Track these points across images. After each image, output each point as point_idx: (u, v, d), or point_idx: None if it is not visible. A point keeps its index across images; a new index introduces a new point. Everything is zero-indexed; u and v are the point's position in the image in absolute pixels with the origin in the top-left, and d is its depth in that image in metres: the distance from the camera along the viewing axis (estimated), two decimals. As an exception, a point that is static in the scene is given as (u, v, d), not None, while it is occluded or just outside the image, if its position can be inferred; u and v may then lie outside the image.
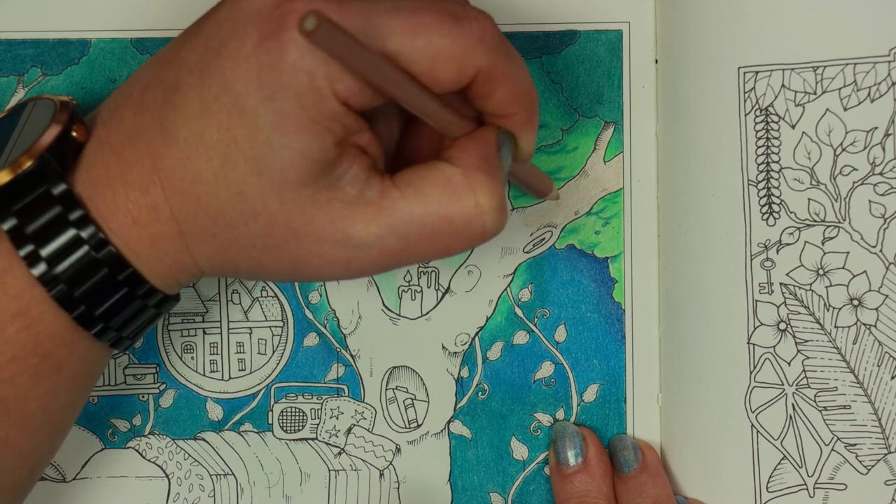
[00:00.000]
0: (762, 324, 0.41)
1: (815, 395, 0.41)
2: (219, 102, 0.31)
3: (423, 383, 0.44)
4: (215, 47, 0.31)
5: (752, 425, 0.41)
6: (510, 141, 0.35)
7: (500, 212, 0.33)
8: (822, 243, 0.41)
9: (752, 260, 0.41)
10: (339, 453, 0.44)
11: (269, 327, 0.44)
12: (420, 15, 0.31)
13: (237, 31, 0.31)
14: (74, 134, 0.33)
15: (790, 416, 0.41)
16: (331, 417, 0.44)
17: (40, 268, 0.32)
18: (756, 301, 0.41)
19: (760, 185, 0.41)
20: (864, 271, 0.40)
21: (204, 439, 0.44)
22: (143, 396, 0.44)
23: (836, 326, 0.41)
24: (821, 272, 0.41)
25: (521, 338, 0.44)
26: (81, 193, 0.33)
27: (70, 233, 0.32)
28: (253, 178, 0.31)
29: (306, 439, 0.44)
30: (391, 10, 0.31)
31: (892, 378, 0.40)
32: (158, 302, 0.35)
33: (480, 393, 0.44)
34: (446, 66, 0.31)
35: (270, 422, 0.44)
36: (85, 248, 0.32)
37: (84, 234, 0.32)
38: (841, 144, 0.40)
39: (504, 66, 0.33)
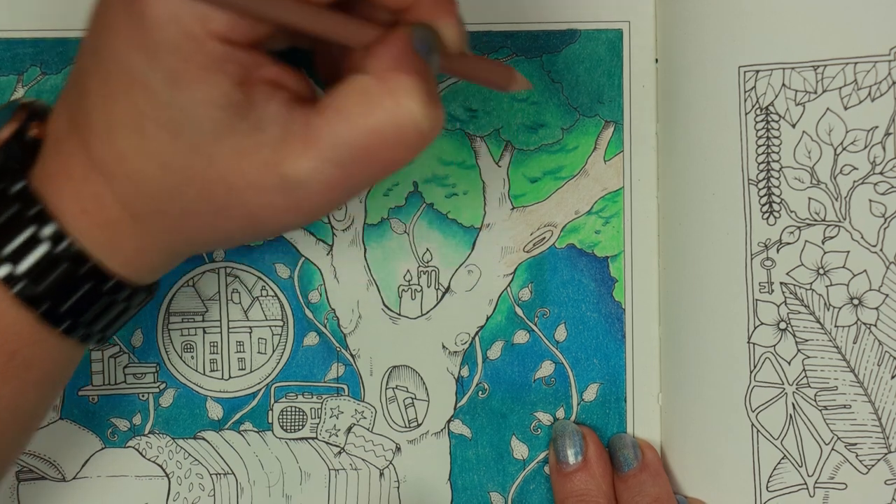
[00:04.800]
0: (762, 323, 0.41)
1: (815, 395, 0.41)
2: (114, 78, 0.31)
3: (423, 383, 0.44)
4: (101, 24, 0.31)
5: (753, 425, 0.41)
6: (431, 34, 0.32)
7: (430, 107, 0.31)
8: (823, 242, 0.41)
9: (752, 259, 0.41)
10: (339, 452, 0.44)
11: (269, 326, 0.44)
12: None
13: (108, 3, 0.31)
14: (34, 132, 0.33)
15: (790, 416, 0.41)
16: (331, 417, 0.44)
17: (4, 268, 0.32)
18: (756, 300, 0.41)
19: (761, 185, 0.41)
20: (865, 270, 0.40)
21: (204, 438, 0.44)
22: (143, 396, 0.44)
23: (836, 326, 0.41)
24: (821, 271, 0.41)
25: (521, 337, 0.44)
26: (38, 190, 0.33)
27: (29, 229, 0.32)
28: (171, 144, 0.31)
29: (306, 438, 0.44)
30: None
31: (893, 377, 0.40)
32: (127, 295, 0.35)
33: (480, 392, 0.44)
34: None
35: (270, 421, 0.44)
36: (45, 245, 0.32)
37: (43, 230, 0.32)
38: (841, 143, 0.40)
39: None
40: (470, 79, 0.37)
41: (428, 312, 0.44)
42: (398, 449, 0.44)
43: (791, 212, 0.41)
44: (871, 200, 0.40)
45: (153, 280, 0.36)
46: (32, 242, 0.32)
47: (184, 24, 0.29)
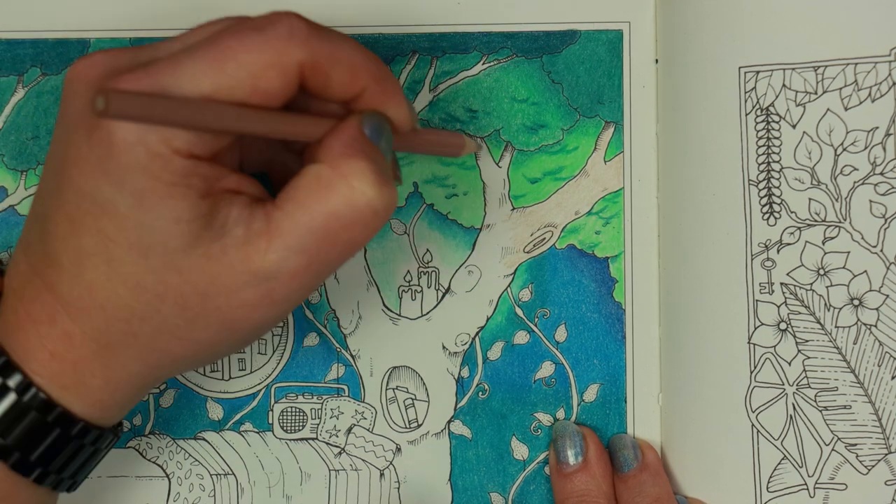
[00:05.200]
0: (762, 323, 0.41)
1: (815, 395, 0.41)
2: (81, 211, 0.31)
3: (424, 383, 0.44)
4: (61, 163, 0.32)
5: (753, 425, 0.41)
6: (380, 119, 0.34)
7: (382, 186, 0.32)
8: (823, 243, 0.41)
9: (752, 260, 0.41)
10: (340, 453, 0.44)
11: (270, 327, 0.44)
12: (221, 43, 0.31)
13: (70, 138, 0.31)
14: None
15: (790, 416, 0.41)
16: (331, 417, 0.44)
17: None
18: (756, 301, 0.41)
19: (761, 185, 0.41)
20: (865, 271, 0.40)
21: (204, 439, 0.44)
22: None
23: (836, 326, 0.41)
24: (821, 272, 0.41)
25: (521, 338, 0.44)
26: (1, 342, 0.33)
27: None
28: (142, 265, 0.31)
29: (306, 439, 0.44)
30: (193, 52, 0.31)
31: (893, 378, 0.40)
32: (95, 439, 0.35)
33: (481, 393, 0.44)
34: (267, 77, 0.31)
35: (271, 421, 0.44)
36: (12, 396, 0.33)
37: (9, 381, 0.33)
38: (842, 144, 0.40)
39: (326, 51, 0.32)
40: (425, 152, 0.39)
41: (428, 313, 0.44)
42: (398, 449, 0.44)
43: (791, 212, 0.41)
44: (871, 201, 0.40)
45: (119, 418, 0.36)
46: None
47: (150, 144, 0.30)
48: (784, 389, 0.41)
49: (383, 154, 0.34)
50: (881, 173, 0.40)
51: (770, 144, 0.41)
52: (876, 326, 0.40)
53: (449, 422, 0.44)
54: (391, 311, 0.44)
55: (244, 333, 0.34)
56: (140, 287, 0.32)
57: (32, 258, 0.33)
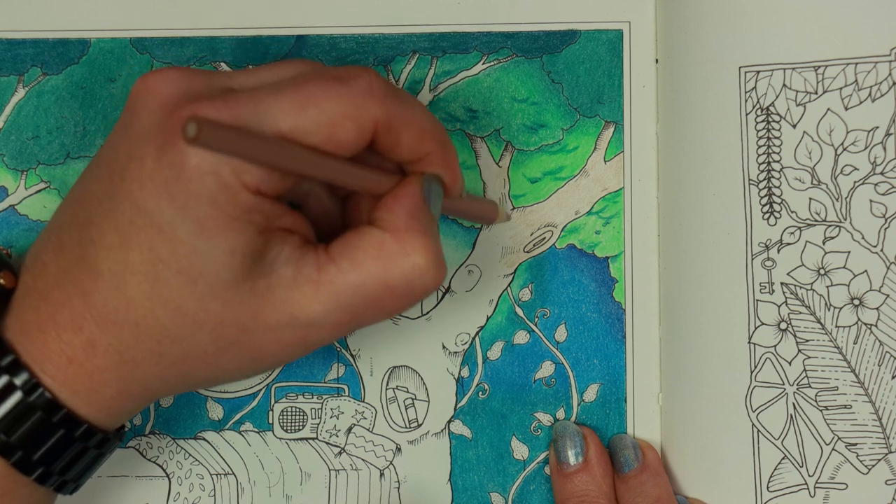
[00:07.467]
0: (763, 323, 0.41)
1: (815, 395, 0.41)
2: (135, 226, 0.31)
3: (424, 383, 0.44)
4: (119, 173, 0.32)
5: (753, 425, 0.41)
6: (437, 183, 0.35)
7: (438, 267, 0.33)
8: (823, 243, 0.41)
9: (752, 259, 0.41)
10: (340, 453, 0.44)
11: (270, 327, 0.44)
12: (304, 87, 0.31)
13: (135, 151, 0.31)
14: (2, 281, 0.34)
15: (791, 416, 0.41)
16: (331, 417, 0.44)
17: None
18: (757, 300, 0.41)
19: (761, 185, 0.41)
20: (865, 271, 0.40)
21: (204, 439, 0.44)
22: (143, 396, 0.44)
23: (836, 326, 0.41)
24: (822, 272, 0.41)
25: (521, 337, 0.44)
26: (12, 339, 0.33)
27: (2, 379, 0.33)
28: (188, 290, 0.31)
29: (306, 439, 0.44)
30: (276, 91, 0.31)
31: (893, 378, 0.40)
32: (99, 442, 0.35)
33: (481, 392, 0.44)
34: (344, 127, 0.32)
35: (271, 421, 0.44)
36: (18, 394, 0.32)
37: (16, 379, 0.33)
38: (842, 144, 0.40)
39: (400, 111, 0.33)
40: (460, 216, 0.41)
41: (428, 313, 0.44)
42: (398, 449, 0.44)
43: (792, 212, 0.41)
44: (871, 201, 0.40)
45: (123, 423, 0.36)
46: (5, 392, 0.33)
47: (221, 175, 0.30)
48: (784, 389, 0.41)
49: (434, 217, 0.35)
50: (881, 173, 0.40)
51: (770, 144, 0.41)
52: (876, 326, 0.40)
53: (449, 422, 0.44)
54: (391, 310, 0.44)
55: (269, 365, 0.35)
56: (180, 311, 0.32)
57: (65, 261, 0.33)
